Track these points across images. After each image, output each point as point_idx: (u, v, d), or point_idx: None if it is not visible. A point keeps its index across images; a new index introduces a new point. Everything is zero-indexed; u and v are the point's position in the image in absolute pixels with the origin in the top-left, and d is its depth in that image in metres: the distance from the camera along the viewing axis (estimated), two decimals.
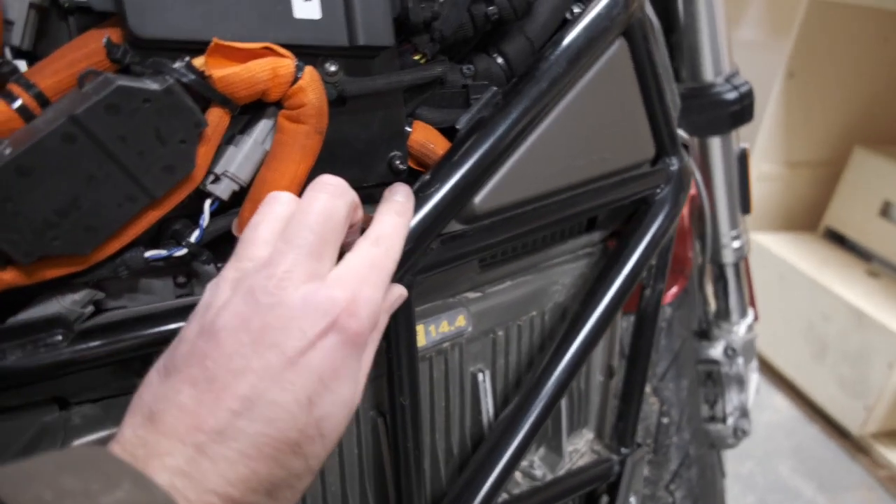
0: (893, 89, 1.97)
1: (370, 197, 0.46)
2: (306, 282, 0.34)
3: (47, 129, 0.31)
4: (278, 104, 0.39)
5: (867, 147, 1.88)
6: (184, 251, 0.38)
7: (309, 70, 0.39)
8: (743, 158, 0.97)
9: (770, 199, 2.02)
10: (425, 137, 0.49)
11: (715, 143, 0.94)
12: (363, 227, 0.41)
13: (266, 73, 0.37)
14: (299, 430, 0.32)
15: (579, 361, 0.61)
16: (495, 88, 0.52)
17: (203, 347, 0.32)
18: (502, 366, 0.64)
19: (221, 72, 0.36)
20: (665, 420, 0.94)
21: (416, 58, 0.48)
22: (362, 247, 0.38)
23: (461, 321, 0.58)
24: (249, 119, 0.40)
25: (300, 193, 0.40)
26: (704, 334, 1.11)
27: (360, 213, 0.41)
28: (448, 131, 0.51)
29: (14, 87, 0.33)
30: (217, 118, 0.37)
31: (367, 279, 0.36)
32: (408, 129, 0.48)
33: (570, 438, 0.76)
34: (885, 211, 1.82)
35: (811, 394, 1.80)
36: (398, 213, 0.42)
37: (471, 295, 0.60)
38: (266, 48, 0.38)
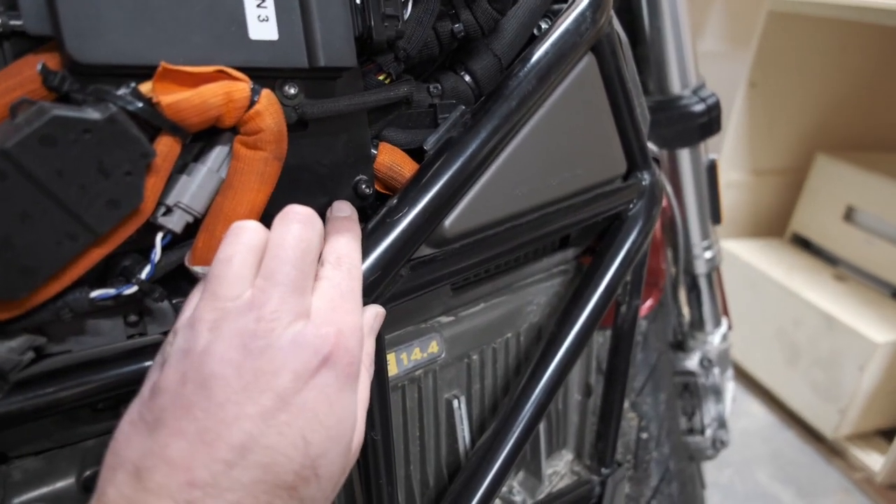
0: (852, 97, 2.01)
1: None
2: (294, 321, 0.33)
3: None
4: (234, 129, 0.37)
5: (829, 153, 1.92)
6: (134, 289, 0.36)
7: (266, 93, 0.36)
8: (712, 169, 0.97)
9: (737, 207, 2.05)
10: (392, 160, 0.47)
11: (684, 155, 0.95)
12: None
13: (219, 97, 0.35)
14: (295, 472, 0.31)
15: (557, 383, 0.59)
16: (463, 107, 0.50)
17: (191, 397, 0.30)
18: (478, 391, 0.63)
19: (170, 98, 0.34)
20: (644, 435, 0.92)
21: (381, 78, 0.46)
22: (327, 273, 0.37)
23: (434, 347, 0.56)
24: (203, 146, 0.38)
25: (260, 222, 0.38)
26: (680, 346, 1.10)
27: (323, 243, 0.39)
28: (416, 153, 0.49)
29: None
30: (167, 147, 0.34)
31: (344, 307, 0.36)
32: (373, 151, 0.46)
33: (549, 461, 0.74)
34: (848, 215, 1.85)
35: (785, 399, 1.81)
36: (348, 229, 0.41)
37: (443, 319, 0.59)
38: (219, 71, 0.35)
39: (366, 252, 0.43)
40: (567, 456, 0.76)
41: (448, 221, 0.48)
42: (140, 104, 0.33)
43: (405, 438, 0.57)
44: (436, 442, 0.60)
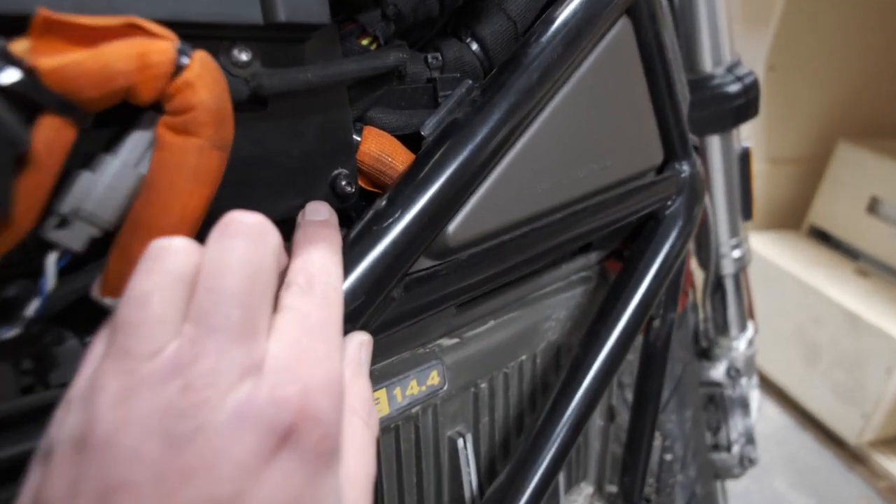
0: (877, 80, 1.90)
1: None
2: (237, 384, 0.23)
3: None
4: (158, 108, 0.27)
5: (852, 141, 1.81)
6: (13, 332, 0.25)
7: (199, 57, 0.26)
8: (745, 158, 0.87)
9: None
10: (380, 148, 0.37)
11: (714, 143, 0.84)
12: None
13: (129, 61, 0.24)
14: None
15: (584, 416, 0.49)
16: (470, 82, 0.40)
17: None
18: (486, 425, 0.53)
19: (55, 61, 0.23)
20: (668, 457, 0.83)
21: (365, 42, 0.36)
22: (293, 301, 0.27)
23: (434, 378, 0.46)
24: (115, 132, 0.28)
25: (196, 238, 0.27)
26: (704, 353, 1.01)
27: (285, 259, 0.29)
28: (411, 139, 0.39)
29: None
30: (53, 132, 0.24)
31: (314, 350, 0.25)
32: (356, 137, 0.36)
33: (567, 496, 0.64)
34: (872, 207, 1.75)
35: (803, 401, 1.72)
36: (323, 238, 0.31)
37: (445, 342, 0.48)
38: (129, 25, 0.25)
39: (346, 269, 0.32)
40: (587, 489, 0.67)
41: (452, 226, 0.37)
42: (9, 70, 0.22)
43: (399, 488, 0.47)
44: (437, 489, 0.50)
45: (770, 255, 1.82)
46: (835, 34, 1.80)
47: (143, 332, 0.23)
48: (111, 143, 0.27)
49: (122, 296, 0.24)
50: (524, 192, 0.41)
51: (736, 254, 0.94)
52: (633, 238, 0.56)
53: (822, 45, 1.80)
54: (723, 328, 1.02)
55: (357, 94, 0.36)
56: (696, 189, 0.55)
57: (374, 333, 0.35)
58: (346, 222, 0.36)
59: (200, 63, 0.26)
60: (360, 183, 0.37)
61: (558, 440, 0.48)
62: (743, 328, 1.03)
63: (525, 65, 0.38)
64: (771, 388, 1.83)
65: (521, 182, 0.41)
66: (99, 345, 0.25)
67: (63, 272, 0.27)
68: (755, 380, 1.07)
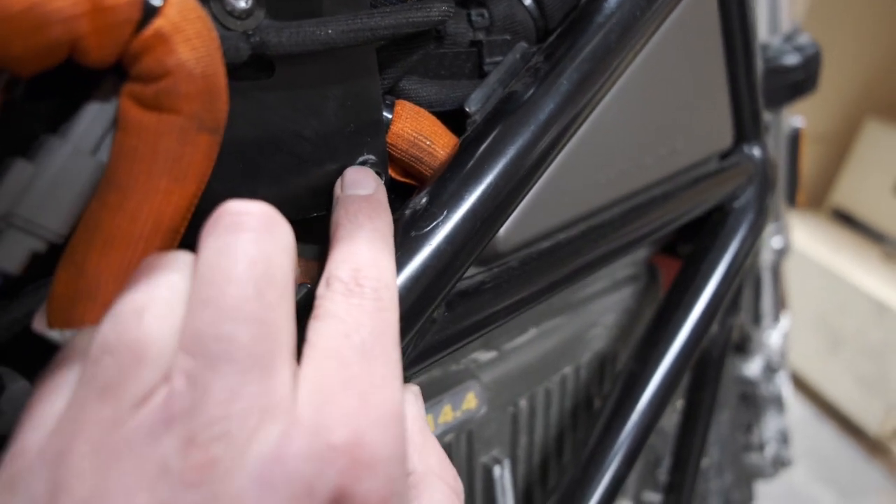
0: None
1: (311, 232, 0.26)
2: (257, 432, 0.16)
3: None
4: (119, 71, 0.19)
5: (881, 118, 1.72)
6: None
7: None
8: (795, 139, 0.79)
9: None
10: (416, 129, 0.29)
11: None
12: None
13: None
14: None
15: (640, 441, 0.42)
16: (525, 46, 0.32)
17: None
18: (525, 447, 0.46)
19: None
20: (704, 461, 0.76)
21: None
22: (335, 305, 0.20)
23: (471, 401, 0.39)
24: (64, 104, 0.20)
25: (178, 245, 0.20)
26: (738, 347, 0.94)
27: (299, 270, 0.22)
28: (450, 117, 0.31)
29: None
30: None
31: (368, 373, 0.19)
32: (387, 115, 0.28)
33: None
34: None
35: (824, 390, 1.66)
36: (371, 219, 0.24)
37: (482, 356, 0.41)
38: None
39: None
40: None
41: (504, 227, 0.30)
42: None
43: None
44: None
45: (793, 237, 1.74)
46: (865, 5, 1.70)
47: (128, 364, 0.16)
48: (56, 122, 0.20)
49: (109, 312, 0.17)
50: (588, 183, 0.34)
51: (776, 243, 0.87)
52: (691, 232, 0.49)
53: (853, 12, 1.69)
54: (754, 318, 0.95)
55: (387, 59, 0.28)
56: (769, 177, 0.48)
57: (408, 367, 0.27)
58: None
59: (179, 7, 0.18)
60: (391, 173, 0.29)
61: (612, 469, 0.41)
62: (776, 320, 0.97)
63: (600, 23, 0.30)
64: (791, 377, 1.77)
65: (586, 171, 0.33)
66: (64, 374, 0.18)
67: None
68: (785, 373, 1.01)
